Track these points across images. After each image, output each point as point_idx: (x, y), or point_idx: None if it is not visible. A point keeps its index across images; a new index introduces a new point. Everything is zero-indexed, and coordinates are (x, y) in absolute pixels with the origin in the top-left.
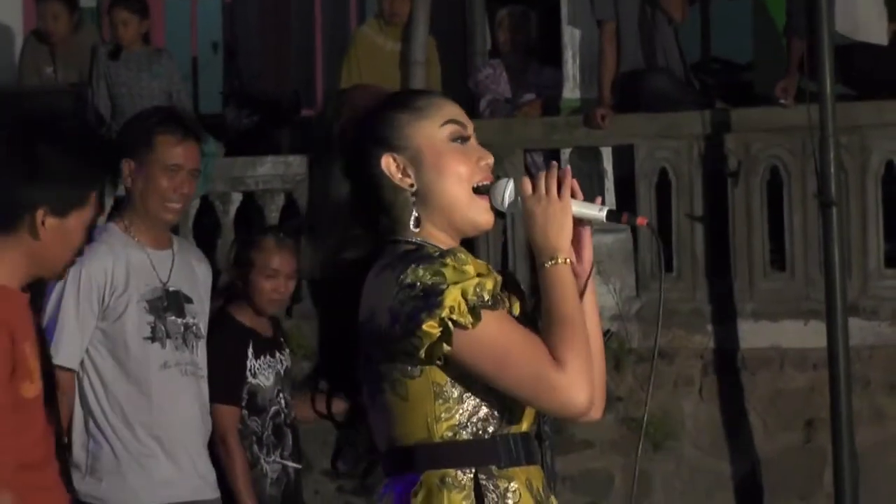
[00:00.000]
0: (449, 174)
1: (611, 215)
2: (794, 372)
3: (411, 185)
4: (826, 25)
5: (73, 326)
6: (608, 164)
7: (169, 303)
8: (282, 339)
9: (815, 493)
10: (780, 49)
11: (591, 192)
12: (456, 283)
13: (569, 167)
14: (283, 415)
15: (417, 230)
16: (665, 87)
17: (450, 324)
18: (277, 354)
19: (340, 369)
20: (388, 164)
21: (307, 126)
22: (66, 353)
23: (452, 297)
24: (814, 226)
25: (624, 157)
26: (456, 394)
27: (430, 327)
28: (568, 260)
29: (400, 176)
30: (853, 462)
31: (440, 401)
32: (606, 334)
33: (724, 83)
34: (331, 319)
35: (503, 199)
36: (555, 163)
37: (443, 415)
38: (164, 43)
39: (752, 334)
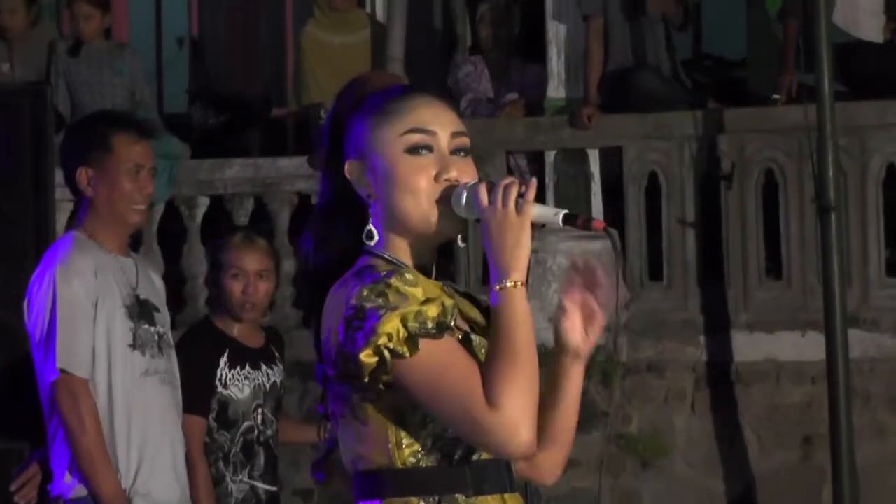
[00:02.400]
0: (401, 188)
1: (567, 219)
2: (791, 386)
3: (370, 196)
4: (823, 17)
5: (82, 330)
6: (595, 167)
7: (141, 310)
8: (275, 352)
9: None
10: (775, 44)
11: (578, 197)
12: (395, 308)
13: (534, 180)
14: (256, 431)
15: (370, 243)
16: (654, 85)
17: (386, 352)
18: (263, 367)
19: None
20: (350, 170)
21: (278, 127)
22: (81, 362)
23: (391, 324)
24: (811, 232)
25: (611, 159)
26: (418, 418)
27: (367, 356)
28: (519, 283)
29: (359, 184)
30: (853, 481)
31: (401, 425)
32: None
33: (717, 81)
34: (314, 319)
35: (461, 208)
36: (523, 179)
37: (404, 440)
38: (127, 38)
39: (747, 346)
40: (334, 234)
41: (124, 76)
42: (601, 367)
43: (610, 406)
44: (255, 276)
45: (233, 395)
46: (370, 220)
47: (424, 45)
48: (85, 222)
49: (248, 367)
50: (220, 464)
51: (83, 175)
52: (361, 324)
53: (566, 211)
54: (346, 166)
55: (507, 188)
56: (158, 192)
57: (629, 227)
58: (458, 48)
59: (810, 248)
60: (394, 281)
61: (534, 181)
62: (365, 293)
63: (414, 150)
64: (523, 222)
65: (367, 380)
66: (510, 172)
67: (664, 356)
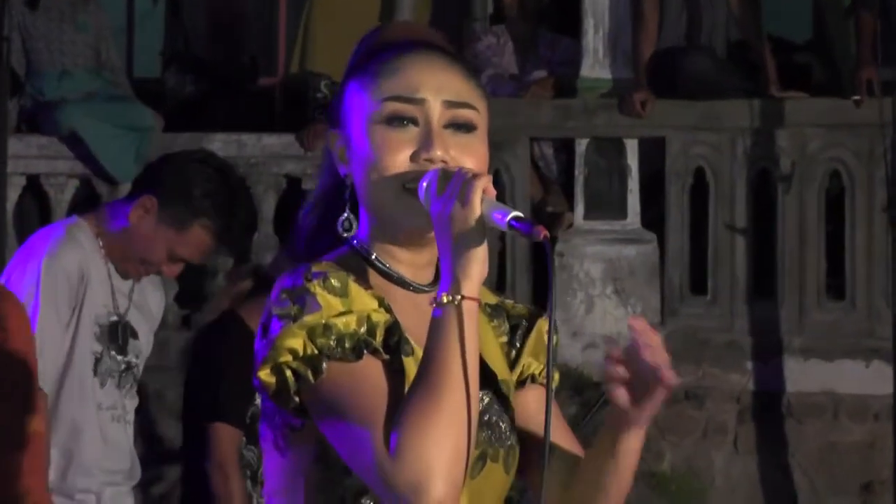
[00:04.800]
0: (370, 166)
1: (517, 222)
2: (850, 423)
3: (347, 175)
4: None
5: (55, 337)
6: (632, 160)
7: (116, 335)
8: None
9: None
10: (845, 26)
11: (611, 193)
12: (298, 317)
13: (490, 176)
14: None
15: (346, 234)
16: (706, 68)
17: (288, 372)
18: None
19: None
20: (331, 142)
21: (265, 98)
22: (47, 378)
23: (294, 339)
24: (881, 245)
25: (652, 151)
26: (343, 461)
27: (266, 375)
28: (459, 298)
29: (339, 160)
30: None
31: (322, 465)
32: None
33: (778, 66)
34: None
35: (424, 200)
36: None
37: (322, 485)
38: None
39: (801, 375)
40: (328, 226)
41: (88, 32)
42: None
43: None
44: None
45: None
46: (348, 205)
47: (439, 11)
48: (105, 225)
49: None
50: (248, 483)
51: (147, 204)
52: (262, 335)
53: (517, 213)
54: (328, 137)
55: (460, 177)
56: (124, 168)
57: (669, 231)
58: (478, 16)
59: (879, 263)
60: (314, 286)
61: (484, 175)
62: (283, 296)
63: (393, 120)
64: (471, 217)
65: (272, 396)
66: (534, 163)
67: (704, 383)
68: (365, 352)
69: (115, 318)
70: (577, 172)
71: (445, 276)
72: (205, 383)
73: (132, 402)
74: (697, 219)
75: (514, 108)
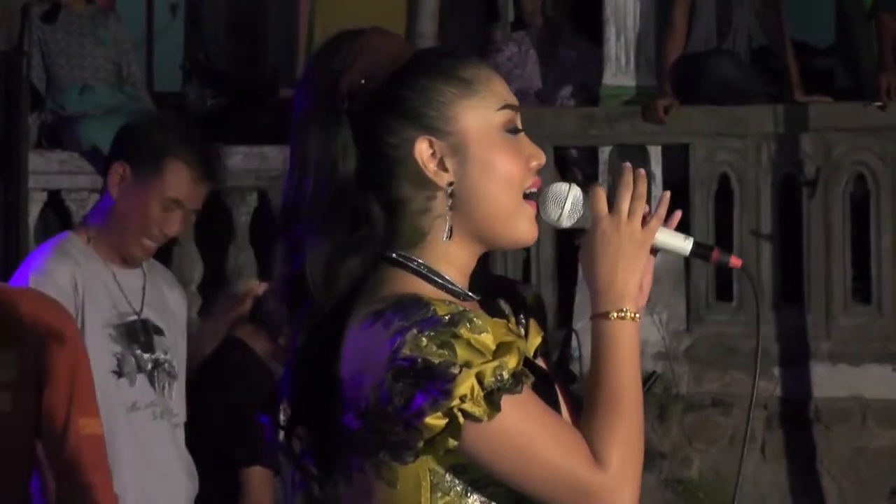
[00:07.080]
0: (499, 175)
1: (697, 250)
2: (878, 428)
3: (450, 183)
4: None
5: None
6: (657, 167)
7: (137, 333)
8: None
9: None
10: (868, 30)
11: None
12: (470, 364)
13: (667, 193)
14: None
15: (449, 241)
16: (731, 73)
17: (459, 415)
18: None
19: (318, 415)
20: (422, 150)
21: (287, 110)
22: None
23: (466, 384)
24: None
25: (677, 158)
26: (459, 486)
27: (435, 419)
28: (636, 315)
29: (435, 168)
30: None
31: (438, 493)
32: (650, 377)
33: (801, 71)
34: (311, 354)
35: (562, 212)
36: (642, 171)
37: None
38: (113, 2)
39: (829, 381)
40: (369, 231)
41: (108, 46)
42: (658, 400)
43: (667, 446)
44: None
45: None
46: (448, 214)
47: (460, 17)
48: (93, 222)
49: None
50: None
51: (119, 170)
52: (422, 384)
53: (696, 240)
54: (416, 145)
55: (635, 197)
56: None
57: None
58: (499, 24)
59: None
60: (462, 331)
61: (667, 194)
62: (423, 343)
63: (512, 129)
64: (646, 242)
65: (420, 445)
66: (560, 171)
67: (731, 390)
68: (524, 380)
69: (132, 317)
70: (601, 180)
71: (609, 291)
72: (233, 422)
73: (179, 402)
74: (722, 225)
75: (538, 116)
